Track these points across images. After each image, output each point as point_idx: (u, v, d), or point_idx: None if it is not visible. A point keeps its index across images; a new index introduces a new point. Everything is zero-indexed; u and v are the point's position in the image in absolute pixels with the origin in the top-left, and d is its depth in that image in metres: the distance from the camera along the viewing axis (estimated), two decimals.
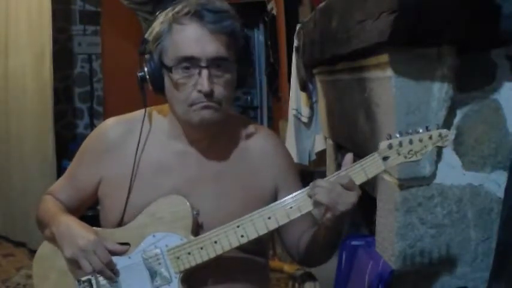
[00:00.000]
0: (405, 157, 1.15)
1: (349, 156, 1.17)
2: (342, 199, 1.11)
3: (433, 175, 1.42)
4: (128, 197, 1.25)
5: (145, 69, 1.20)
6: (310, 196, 1.13)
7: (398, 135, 1.15)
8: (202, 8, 1.16)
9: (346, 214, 1.13)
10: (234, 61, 1.20)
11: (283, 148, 1.41)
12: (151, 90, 1.22)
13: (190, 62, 1.15)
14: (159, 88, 1.21)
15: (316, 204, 1.13)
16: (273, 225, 1.16)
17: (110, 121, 1.35)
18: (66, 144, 4.50)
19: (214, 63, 1.16)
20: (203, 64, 1.15)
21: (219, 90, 1.17)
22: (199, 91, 1.16)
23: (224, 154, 1.29)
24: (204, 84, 1.15)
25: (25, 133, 3.83)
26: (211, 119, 1.19)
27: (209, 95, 1.16)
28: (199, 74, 1.15)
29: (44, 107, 3.78)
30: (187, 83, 1.17)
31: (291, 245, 1.36)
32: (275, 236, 3.33)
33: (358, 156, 1.20)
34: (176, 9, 1.17)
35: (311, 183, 1.14)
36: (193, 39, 1.15)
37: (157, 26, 1.20)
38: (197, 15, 1.15)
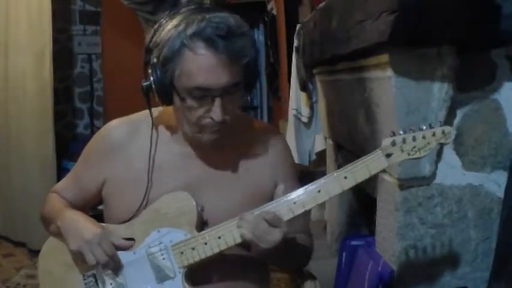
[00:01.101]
0: (408, 154, 1.15)
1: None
2: (264, 237, 1.13)
3: (433, 175, 1.42)
4: (144, 197, 1.25)
5: (152, 79, 1.16)
6: (238, 227, 1.16)
7: (401, 132, 1.16)
8: (215, 34, 1.11)
9: (270, 250, 1.14)
10: (244, 79, 1.18)
11: (285, 145, 1.42)
12: (157, 100, 1.20)
13: (204, 92, 1.14)
14: (167, 101, 1.20)
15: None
16: None
17: (114, 122, 1.35)
18: (66, 144, 4.49)
19: (227, 90, 1.15)
20: (217, 94, 1.14)
21: (229, 113, 1.17)
22: (212, 118, 1.16)
23: (227, 152, 1.30)
24: (217, 113, 1.15)
25: (25, 133, 3.83)
26: (219, 138, 1.21)
27: (221, 122, 1.16)
28: (212, 102, 1.15)
29: (44, 107, 3.77)
30: (199, 108, 1.16)
31: None
32: None
33: (358, 155, 1.21)
34: (188, 32, 1.12)
35: (240, 215, 1.16)
36: (207, 69, 1.12)
37: (164, 39, 1.15)
38: (210, 43, 1.11)
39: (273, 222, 1.13)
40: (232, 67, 1.14)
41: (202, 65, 1.12)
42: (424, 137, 1.15)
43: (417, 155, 1.16)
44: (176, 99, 1.18)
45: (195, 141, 1.25)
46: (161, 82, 1.15)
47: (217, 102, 1.14)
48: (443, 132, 1.15)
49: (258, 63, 1.25)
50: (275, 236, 1.13)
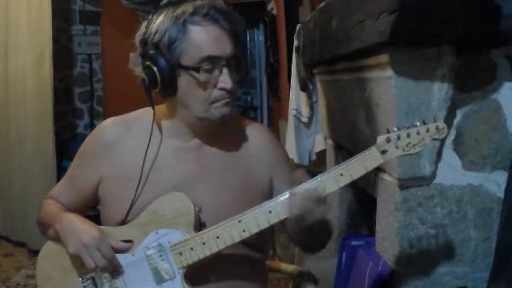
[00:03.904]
0: (403, 150, 1.16)
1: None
2: (310, 214, 1.13)
3: (433, 175, 1.42)
4: (134, 197, 1.25)
5: (156, 70, 1.19)
6: (287, 201, 1.15)
7: (396, 129, 1.16)
8: (213, 9, 1.20)
9: (312, 225, 1.15)
10: (242, 58, 1.25)
11: (276, 140, 1.44)
12: (159, 91, 1.22)
13: (212, 62, 1.19)
14: (172, 90, 1.21)
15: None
16: (274, 219, 1.17)
17: (108, 122, 1.36)
18: (66, 144, 4.50)
19: (231, 61, 1.21)
20: (224, 63, 1.20)
21: (234, 87, 1.23)
22: (222, 88, 1.20)
23: (221, 149, 1.31)
24: (227, 82, 1.20)
25: (25, 133, 3.83)
26: (229, 114, 1.24)
27: (230, 91, 1.21)
28: (220, 72, 1.20)
29: (44, 107, 3.78)
30: (208, 81, 1.20)
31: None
32: (275, 236, 3.34)
33: None
34: (186, 12, 1.19)
35: (291, 190, 1.16)
36: (214, 39, 1.19)
37: (162, 27, 1.19)
38: (212, 16, 1.20)
39: (321, 199, 1.14)
40: (232, 37, 1.22)
41: (208, 36, 1.19)
42: (418, 133, 1.16)
43: (412, 151, 1.17)
44: (183, 82, 1.20)
45: (204, 123, 1.25)
46: (166, 68, 1.19)
47: (226, 71, 1.20)
48: (437, 128, 1.16)
49: (247, 40, 1.34)
50: (318, 214, 1.14)
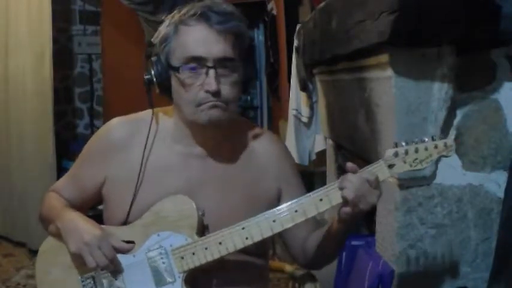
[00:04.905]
0: (410, 165, 1.16)
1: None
2: (365, 198, 1.12)
3: (433, 175, 1.42)
4: (133, 198, 1.25)
5: (152, 71, 1.20)
6: (340, 188, 1.14)
7: (404, 144, 1.16)
8: (208, 9, 1.17)
9: (364, 212, 1.14)
10: (240, 61, 1.21)
11: (286, 151, 1.42)
12: (158, 92, 1.23)
13: (197, 62, 1.17)
14: (166, 90, 1.22)
15: (343, 198, 1.14)
16: (277, 228, 1.17)
17: (115, 121, 1.35)
18: (66, 144, 4.50)
19: (221, 63, 1.17)
20: (210, 64, 1.16)
21: (226, 90, 1.18)
22: (207, 91, 1.17)
23: (228, 156, 1.30)
24: (211, 83, 1.16)
25: (25, 133, 3.82)
26: (219, 118, 1.20)
27: (216, 94, 1.17)
28: (207, 74, 1.17)
29: (44, 107, 3.77)
30: (194, 83, 1.18)
31: (295, 247, 1.36)
32: (275, 236, 3.33)
33: (358, 155, 1.20)
34: (182, 12, 1.19)
35: (342, 176, 1.14)
36: (200, 39, 1.17)
37: (163, 29, 1.21)
38: (203, 16, 1.17)
39: (375, 184, 1.13)
40: (225, 39, 1.17)
41: (195, 36, 1.17)
42: (426, 149, 1.15)
43: (419, 167, 1.16)
44: (174, 83, 1.20)
45: (196, 126, 1.23)
46: (160, 68, 1.20)
47: (211, 73, 1.16)
48: (445, 144, 1.15)
49: (256, 51, 1.28)
50: (374, 198, 1.13)
